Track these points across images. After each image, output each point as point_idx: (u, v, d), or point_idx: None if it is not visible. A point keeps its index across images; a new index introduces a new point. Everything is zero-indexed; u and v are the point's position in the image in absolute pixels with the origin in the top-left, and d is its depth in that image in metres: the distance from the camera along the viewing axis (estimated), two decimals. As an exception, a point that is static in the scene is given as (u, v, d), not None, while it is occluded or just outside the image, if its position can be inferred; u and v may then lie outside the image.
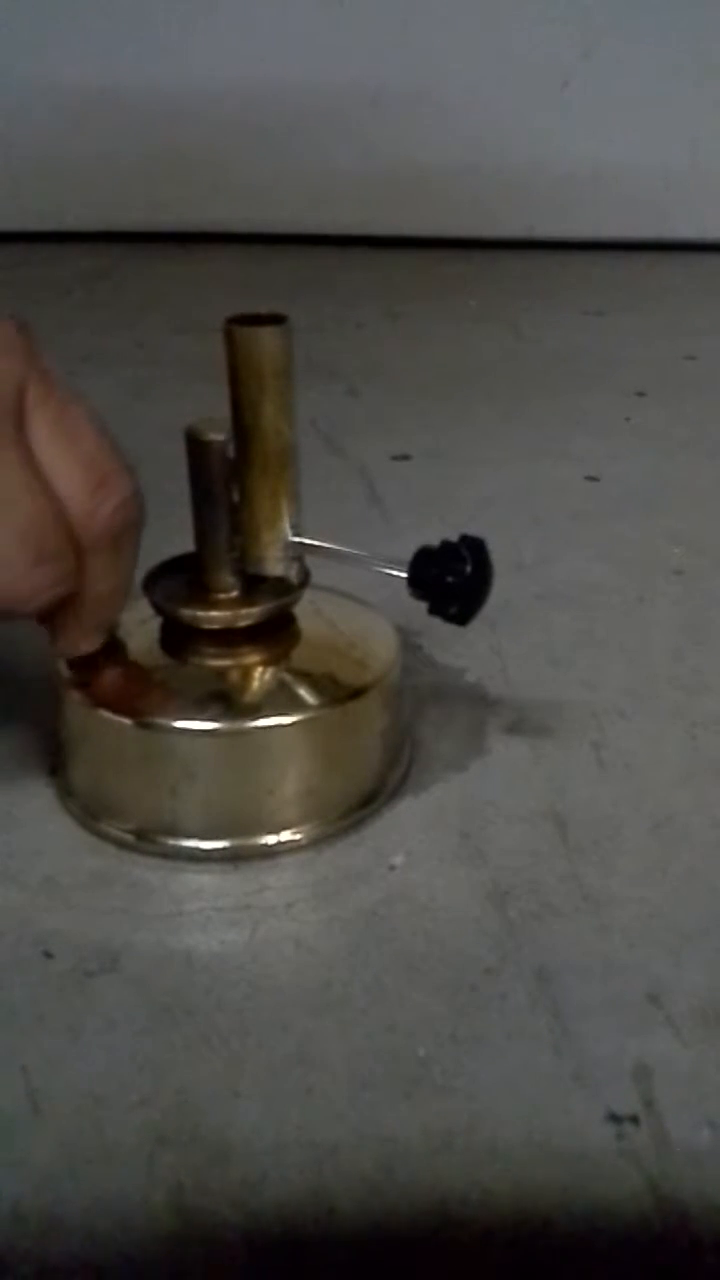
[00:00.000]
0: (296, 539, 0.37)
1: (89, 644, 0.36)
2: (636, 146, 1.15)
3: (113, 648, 0.37)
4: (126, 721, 0.36)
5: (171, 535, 0.38)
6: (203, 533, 0.37)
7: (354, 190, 1.18)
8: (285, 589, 0.38)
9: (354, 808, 0.38)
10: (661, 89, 1.14)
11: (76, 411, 0.33)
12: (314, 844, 0.37)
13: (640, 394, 0.79)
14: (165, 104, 1.16)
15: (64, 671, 0.37)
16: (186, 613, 0.37)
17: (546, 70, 1.15)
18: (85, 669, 0.37)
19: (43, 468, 0.32)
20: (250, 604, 0.37)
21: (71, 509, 0.32)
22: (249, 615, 0.37)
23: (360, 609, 0.41)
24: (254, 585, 0.37)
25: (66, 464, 0.32)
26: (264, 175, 1.18)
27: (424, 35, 1.14)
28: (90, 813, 0.38)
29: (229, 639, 0.37)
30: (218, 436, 0.35)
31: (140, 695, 0.37)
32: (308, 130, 1.17)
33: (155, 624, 0.38)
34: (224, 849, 0.36)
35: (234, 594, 0.37)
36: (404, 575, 0.36)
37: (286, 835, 0.37)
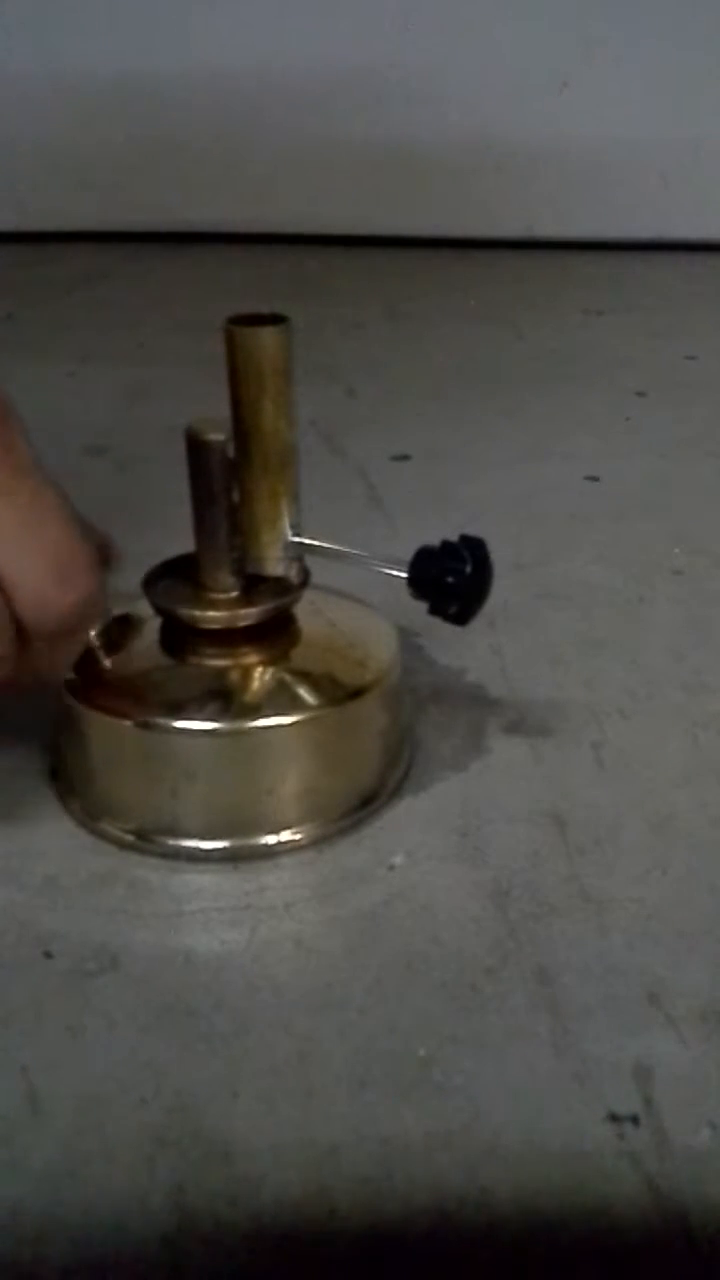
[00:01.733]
0: (296, 539, 0.37)
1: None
2: (636, 146, 1.15)
3: (112, 646, 0.37)
4: (126, 722, 0.36)
5: (171, 535, 0.38)
6: (202, 533, 0.37)
7: (354, 190, 1.18)
8: (285, 589, 0.38)
9: (354, 808, 0.38)
10: (661, 89, 1.14)
11: (48, 501, 0.32)
12: (314, 844, 0.37)
13: (640, 394, 0.79)
14: (165, 105, 1.16)
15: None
16: (186, 613, 0.37)
17: (546, 70, 1.15)
18: (85, 669, 0.37)
19: (3, 555, 0.32)
20: (250, 604, 0.37)
21: (30, 596, 0.32)
22: (249, 615, 0.37)
23: (360, 609, 0.41)
24: (254, 585, 0.37)
25: (31, 553, 0.32)
26: (264, 175, 1.18)
27: (424, 35, 1.14)
28: (90, 813, 0.38)
29: (229, 639, 0.37)
30: (217, 436, 0.35)
31: (139, 695, 0.37)
32: (308, 130, 1.17)
33: (155, 624, 0.38)
34: (224, 849, 0.36)
35: (234, 594, 0.37)
36: (404, 575, 0.36)
37: (286, 835, 0.37)
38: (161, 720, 0.36)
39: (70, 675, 0.37)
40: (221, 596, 0.37)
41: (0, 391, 0.33)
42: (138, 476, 0.64)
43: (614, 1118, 0.28)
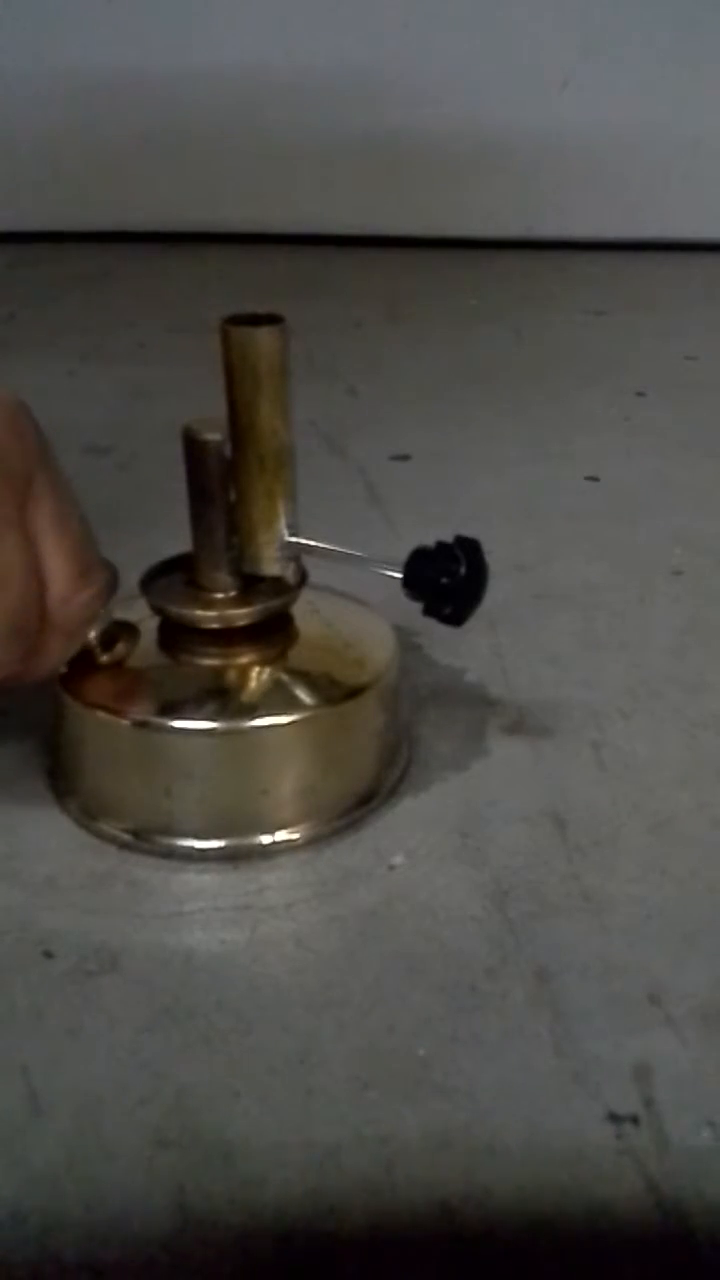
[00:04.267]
0: (293, 539, 0.37)
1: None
2: (636, 146, 1.15)
3: (110, 644, 0.37)
4: (123, 721, 0.36)
5: (171, 535, 0.38)
6: (200, 532, 0.37)
7: (354, 190, 1.18)
8: (282, 589, 0.38)
9: (351, 808, 0.38)
10: (662, 88, 1.14)
11: (70, 501, 0.34)
12: (311, 844, 0.37)
13: (640, 394, 0.79)
14: (165, 105, 1.17)
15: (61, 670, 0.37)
16: (184, 612, 0.37)
17: (546, 70, 1.15)
18: (82, 667, 0.37)
19: (38, 551, 0.33)
20: (247, 604, 0.37)
21: (58, 592, 0.33)
22: (246, 615, 0.37)
23: (358, 609, 0.41)
24: (251, 585, 0.37)
25: (59, 551, 0.33)
26: (264, 175, 1.18)
27: (424, 35, 1.14)
28: (88, 813, 0.38)
29: (226, 638, 0.37)
30: (214, 436, 0.35)
31: (136, 694, 0.37)
32: (308, 130, 1.17)
33: (153, 623, 0.38)
34: (220, 848, 0.36)
35: (231, 594, 0.37)
36: (399, 576, 0.36)
37: (283, 835, 0.37)
38: (158, 719, 0.36)
39: (65, 672, 0.37)
40: (219, 596, 0.37)
41: (16, 397, 0.33)
42: (138, 476, 0.64)
43: (614, 1118, 0.28)
